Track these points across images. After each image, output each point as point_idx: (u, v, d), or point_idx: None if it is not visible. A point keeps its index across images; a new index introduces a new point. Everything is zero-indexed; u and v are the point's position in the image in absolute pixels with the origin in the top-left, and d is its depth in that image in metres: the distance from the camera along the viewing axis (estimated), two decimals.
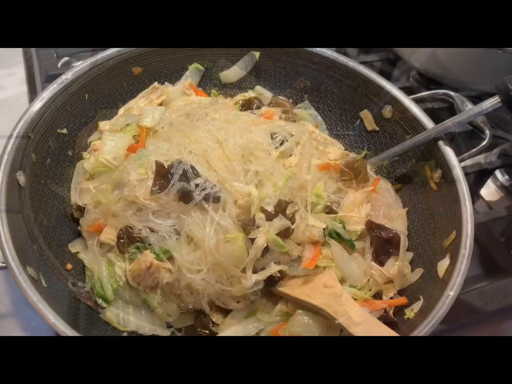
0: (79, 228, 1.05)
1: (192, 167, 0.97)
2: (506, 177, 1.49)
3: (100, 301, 0.97)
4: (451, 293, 0.88)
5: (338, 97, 1.28)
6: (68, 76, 1.10)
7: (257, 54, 1.28)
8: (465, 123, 1.10)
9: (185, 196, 0.95)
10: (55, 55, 1.50)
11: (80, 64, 1.13)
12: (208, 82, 1.32)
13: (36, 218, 1.00)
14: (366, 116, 1.25)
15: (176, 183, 0.94)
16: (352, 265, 1.00)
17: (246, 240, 0.96)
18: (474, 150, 1.11)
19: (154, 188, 0.95)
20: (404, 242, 1.01)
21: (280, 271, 0.97)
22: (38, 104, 1.05)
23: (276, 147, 1.07)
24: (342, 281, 0.99)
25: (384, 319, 0.94)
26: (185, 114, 1.16)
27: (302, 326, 0.93)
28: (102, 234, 0.99)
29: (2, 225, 0.87)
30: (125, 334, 0.96)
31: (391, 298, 1.01)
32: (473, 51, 1.35)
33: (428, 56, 1.49)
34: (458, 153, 1.11)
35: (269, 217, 0.97)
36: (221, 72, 1.32)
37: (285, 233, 0.97)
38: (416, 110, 1.15)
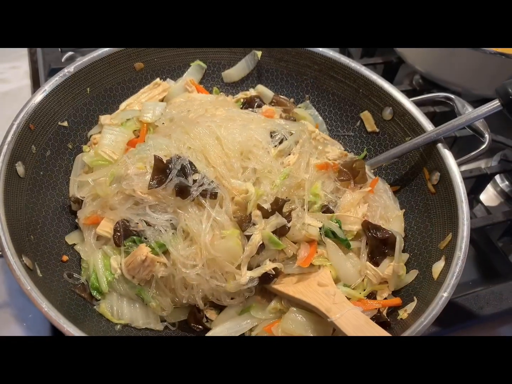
0: (76, 220, 1.06)
1: (191, 163, 0.97)
2: (506, 182, 1.48)
3: (94, 293, 0.98)
4: (444, 294, 0.88)
5: (339, 97, 1.28)
6: (70, 69, 1.11)
7: (259, 53, 1.29)
8: (465, 126, 1.10)
9: (182, 191, 0.95)
10: (59, 50, 1.51)
11: (82, 58, 1.14)
12: (210, 80, 1.33)
13: (34, 209, 1.01)
14: (367, 117, 1.25)
15: (174, 178, 0.95)
16: (347, 265, 1.00)
17: (242, 237, 0.96)
18: (473, 153, 1.11)
19: (152, 183, 0.96)
20: (399, 243, 1.01)
21: (275, 269, 0.97)
22: (39, 96, 1.06)
23: (275, 146, 1.07)
24: (336, 280, 0.99)
25: (378, 319, 0.94)
26: (186, 110, 1.17)
27: (295, 323, 0.93)
28: (99, 227, 1.00)
29: None
30: (118, 327, 0.96)
31: (385, 298, 1.01)
32: (476, 56, 1.35)
33: (431, 60, 1.49)
34: (458, 156, 1.11)
35: (266, 214, 0.97)
36: (223, 71, 1.33)
37: (281, 231, 0.97)
38: (416, 112, 1.15)
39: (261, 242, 0.95)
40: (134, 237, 0.97)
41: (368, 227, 1.01)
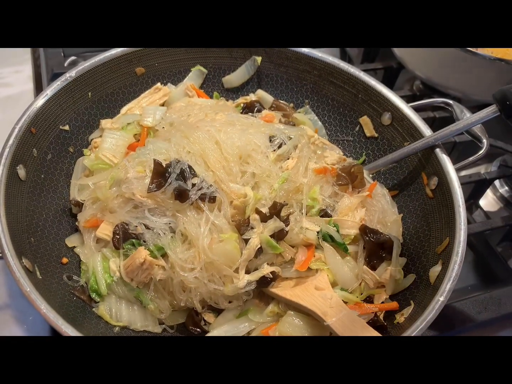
0: (76, 223, 1.07)
1: (190, 167, 0.98)
2: (506, 188, 1.49)
3: (93, 295, 0.99)
4: (441, 298, 0.89)
5: (339, 102, 1.29)
6: (72, 74, 1.13)
7: (259, 59, 1.30)
8: (463, 131, 1.10)
9: (181, 195, 0.96)
10: (62, 55, 1.53)
11: (84, 63, 1.15)
12: (211, 85, 1.34)
13: (34, 211, 1.02)
14: (366, 122, 1.26)
15: (173, 182, 0.96)
16: (344, 269, 1.00)
17: (240, 241, 0.97)
18: (471, 158, 1.11)
19: (151, 186, 0.97)
20: (397, 247, 1.01)
21: (272, 272, 0.97)
22: (41, 100, 1.07)
23: (274, 150, 1.08)
24: (334, 284, 1.00)
25: (374, 323, 0.95)
26: (186, 115, 1.18)
27: (292, 326, 0.94)
28: (99, 230, 1.01)
29: (0, 216, 0.89)
30: (117, 329, 0.97)
31: (383, 302, 1.01)
32: (476, 62, 1.36)
33: (432, 66, 1.50)
34: (457, 162, 1.12)
35: (264, 218, 0.98)
36: (224, 76, 1.34)
37: (279, 235, 0.98)
38: (414, 117, 1.16)
39: (259, 246, 0.96)
40: (133, 240, 0.97)
41: (365, 231, 1.02)
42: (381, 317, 0.98)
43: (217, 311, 1.02)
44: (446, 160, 1.08)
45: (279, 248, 0.97)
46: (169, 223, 0.97)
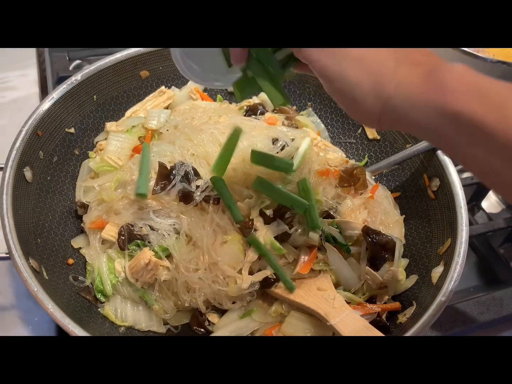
0: (82, 224, 1.08)
1: (194, 169, 1.00)
2: None
3: (99, 295, 1.00)
4: (442, 298, 0.89)
5: None
6: (77, 77, 1.14)
7: None
8: None
9: (185, 197, 0.97)
10: (67, 58, 1.55)
11: (89, 67, 1.17)
12: (214, 88, 1.35)
13: (41, 213, 1.04)
14: None
15: (177, 183, 0.97)
16: (347, 269, 1.01)
17: (244, 242, 0.98)
18: None
19: (156, 188, 0.98)
20: (399, 248, 1.02)
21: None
22: (47, 104, 1.09)
23: (277, 152, 1.09)
24: (336, 284, 1.00)
25: (377, 323, 0.95)
26: (190, 117, 1.20)
27: (295, 326, 0.95)
28: (104, 231, 1.02)
29: (7, 217, 0.91)
30: (122, 329, 0.98)
31: (385, 303, 1.02)
32: (478, 65, 1.37)
33: None
34: (458, 163, 1.13)
35: (268, 221, 0.99)
36: None
37: (282, 237, 0.99)
38: None
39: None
40: (138, 241, 0.99)
41: (368, 232, 1.03)
42: (384, 317, 0.98)
43: (221, 312, 1.02)
44: (447, 162, 1.09)
45: (282, 249, 0.98)
46: (174, 224, 0.99)
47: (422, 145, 1.12)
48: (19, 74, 1.54)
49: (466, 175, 1.40)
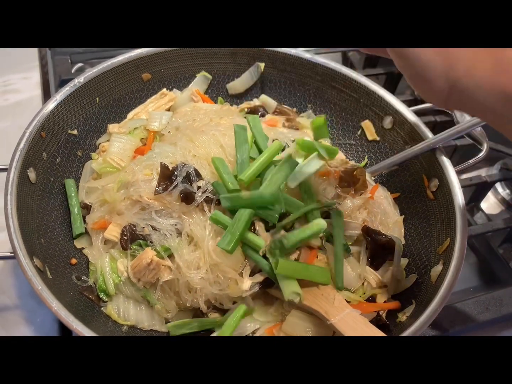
0: (85, 225, 1.09)
1: (196, 170, 1.01)
2: (507, 191, 1.50)
3: (102, 295, 1.01)
4: (441, 297, 0.90)
5: (341, 107, 1.31)
6: (80, 79, 1.15)
7: (262, 65, 1.33)
8: (463, 135, 1.12)
9: (187, 197, 0.98)
10: (70, 61, 1.56)
11: (92, 69, 1.18)
12: (215, 90, 1.37)
13: (44, 213, 1.05)
14: (367, 126, 1.28)
15: (179, 184, 0.98)
16: (347, 269, 1.02)
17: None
18: (471, 161, 1.13)
19: (158, 189, 0.99)
20: (399, 248, 1.03)
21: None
22: (51, 105, 1.10)
23: (278, 153, 1.10)
24: None
25: (377, 322, 0.96)
26: (191, 119, 1.21)
27: (296, 325, 0.95)
28: (107, 231, 1.03)
29: (12, 217, 0.92)
30: (125, 328, 0.99)
31: (385, 302, 1.03)
32: None
33: None
34: (457, 164, 1.14)
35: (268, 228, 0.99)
36: (228, 81, 1.37)
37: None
38: (416, 121, 1.18)
39: (264, 253, 0.96)
40: (140, 241, 1.00)
41: (368, 232, 1.04)
42: (384, 316, 0.99)
43: (222, 311, 1.03)
44: (446, 163, 1.10)
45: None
46: (176, 225, 1.00)
47: (421, 146, 1.13)
48: (22, 77, 1.55)
49: (465, 176, 1.42)
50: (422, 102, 1.59)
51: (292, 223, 0.99)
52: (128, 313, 1.00)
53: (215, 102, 1.35)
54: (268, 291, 1.02)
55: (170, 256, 0.99)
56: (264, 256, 0.95)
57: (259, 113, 1.30)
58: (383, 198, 1.15)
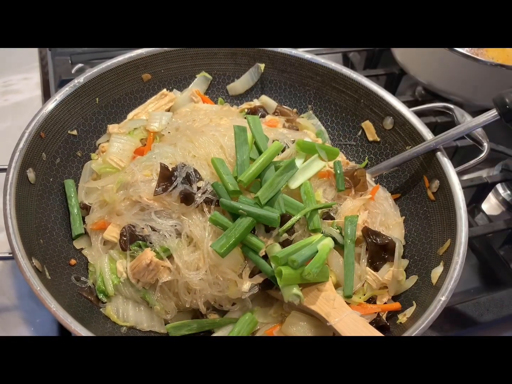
0: (84, 226, 1.09)
1: (195, 171, 1.00)
2: (508, 192, 1.50)
3: (101, 295, 1.01)
4: (442, 298, 0.90)
5: (341, 108, 1.31)
6: (80, 80, 1.15)
7: (262, 66, 1.33)
8: (464, 135, 1.12)
9: (187, 198, 0.98)
10: (70, 62, 1.56)
11: (92, 69, 1.18)
12: (215, 91, 1.37)
13: (43, 214, 1.04)
14: (368, 127, 1.28)
15: (179, 185, 0.98)
16: None
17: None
18: (472, 161, 1.13)
19: (158, 189, 0.99)
20: (399, 249, 1.03)
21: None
22: (50, 105, 1.10)
23: (278, 154, 1.10)
24: (337, 285, 1.01)
25: (377, 323, 0.96)
26: (191, 120, 1.20)
27: (296, 327, 0.95)
28: (106, 232, 1.03)
29: (11, 217, 0.92)
30: (124, 329, 0.98)
31: (385, 303, 1.02)
32: (477, 68, 1.38)
33: (433, 71, 1.52)
34: (457, 165, 1.14)
35: (268, 229, 0.98)
36: (228, 82, 1.37)
37: (283, 244, 0.99)
38: (416, 122, 1.18)
39: (263, 253, 0.96)
40: (140, 242, 0.99)
41: (368, 233, 1.03)
42: (384, 317, 0.99)
43: (222, 312, 1.03)
44: (447, 163, 1.10)
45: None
46: (175, 225, 0.99)
47: (422, 147, 1.13)
48: (22, 78, 1.55)
49: (466, 177, 1.41)
50: (423, 102, 1.59)
51: (292, 225, 0.98)
52: (127, 314, 0.99)
53: (215, 102, 1.35)
54: (267, 292, 1.01)
55: (170, 257, 0.98)
56: (264, 257, 0.95)
57: (259, 114, 1.30)
58: (383, 199, 1.14)
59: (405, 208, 1.17)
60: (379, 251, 1.03)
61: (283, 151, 1.10)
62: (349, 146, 1.32)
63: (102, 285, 1.00)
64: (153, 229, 0.99)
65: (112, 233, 1.02)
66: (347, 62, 1.78)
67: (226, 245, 0.91)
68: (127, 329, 0.98)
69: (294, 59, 1.30)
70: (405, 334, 0.86)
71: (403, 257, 1.08)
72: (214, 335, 0.99)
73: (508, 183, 1.49)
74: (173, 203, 0.99)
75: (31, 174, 1.03)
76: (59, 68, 1.53)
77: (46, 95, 1.50)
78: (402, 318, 0.96)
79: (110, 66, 1.19)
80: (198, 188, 0.99)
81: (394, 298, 1.04)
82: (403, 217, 1.15)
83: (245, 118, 1.27)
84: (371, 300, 1.02)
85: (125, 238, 0.99)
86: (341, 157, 1.25)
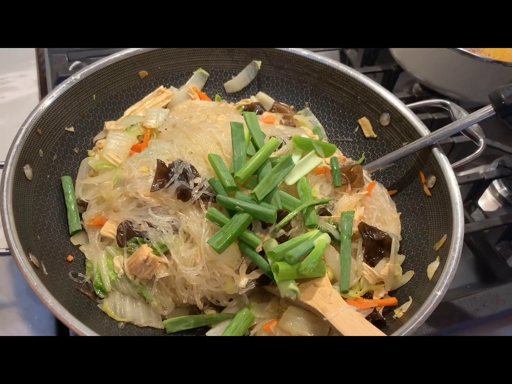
0: (81, 222, 1.09)
1: (192, 167, 1.01)
2: (504, 188, 1.50)
3: (98, 291, 1.01)
4: (438, 292, 0.90)
5: (338, 104, 1.31)
6: (77, 76, 1.15)
7: (259, 63, 1.33)
8: (460, 131, 1.12)
9: (183, 194, 0.98)
10: (67, 59, 1.56)
11: (89, 66, 1.18)
12: (212, 87, 1.37)
13: (40, 210, 1.05)
14: (365, 123, 1.28)
15: (175, 181, 0.98)
16: None
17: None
18: (468, 157, 1.14)
19: (155, 185, 0.99)
20: (395, 244, 1.03)
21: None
22: (47, 102, 1.10)
23: (275, 150, 1.10)
24: (333, 280, 1.01)
25: (373, 318, 0.96)
26: (188, 116, 1.21)
27: (293, 322, 0.95)
28: (103, 228, 1.03)
29: (7, 214, 0.92)
30: (121, 325, 0.98)
31: (382, 298, 1.03)
32: (474, 65, 1.38)
33: (430, 68, 1.52)
34: (453, 161, 1.14)
35: (265, 225, 0.99)
36: (225, 79, 1.37)
37: (280, 240, 0.99)
38: (412, 118, 1.18)
39: (260, 249, 0.96)
40: (137, 238, 1.00)
41: (364, 228, 1.04)
42: (380, 312, 0.99)
43: (219, 308, 1.03)
44: (443, 159, 1.10)
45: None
46: (172, 222, 0.99)
47: (418, 143, 1.13)
48: (19, 75, 1.55)
49: (462, 173, 1.42)
50: (420, 99, 1.60)
51: (289, 221, 0.99)
52: (124, 310, 0.99)
53: (212, 99, 1.35)
54: (264, 288, 1.02)
55: (167, 253, 0.98)
56: (261, 253, 0.95)
57: (257, 110, 1.30)
58: (380, 195, 1.15)
59: (401, 204, 1.18)
60: (375, 247, 1.03)
61: (280, 147, 1.10)
62: (346, 143, 1.32)
63: (99, 281, 1.00)
64: (150, 225, 0.99)
65: (109, 229, 1.02)
66: (344, 59, 1.79)
67: (223, 241, 0.91)
68: (124, 325, 0.99)
69: (291, 56, 1.30)
70: (401, 329, 0.86)
71: (400, 252, 1.08)
72: (211, 330, 0.99)
73: (505, 179, 1.49)
74: (170, 199, 0.99)
75: (28, 171, 1.03)
76: (56, 65, 1.53)
77: (43, 92, 1.50)
78: (398, 313, 0.97)
79: (107, 63, 1.19)
80: (195, 185, 0.99)
81: (391, 293, 1.05)
82: (400, 213, 1.15)
83: (242, 114, 1.28)
84: (368, 295, 1.03)
85: (122, 234, 1.00)
86: (338, 154, 1.26)
